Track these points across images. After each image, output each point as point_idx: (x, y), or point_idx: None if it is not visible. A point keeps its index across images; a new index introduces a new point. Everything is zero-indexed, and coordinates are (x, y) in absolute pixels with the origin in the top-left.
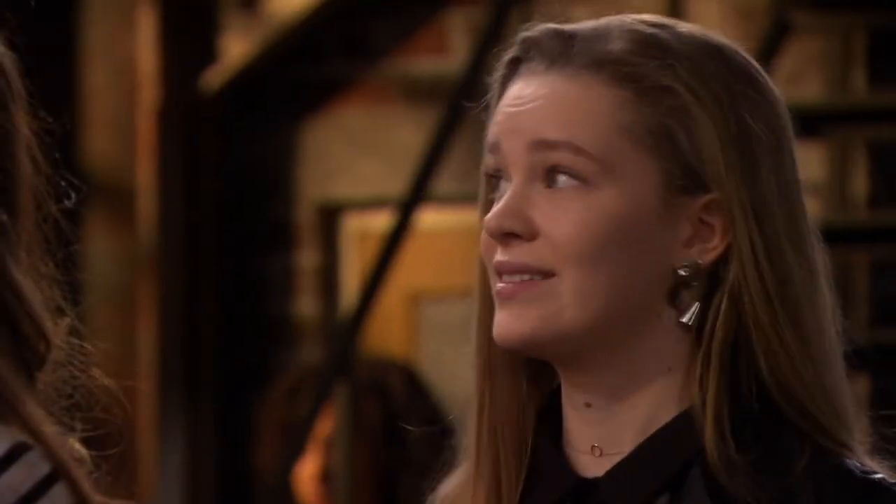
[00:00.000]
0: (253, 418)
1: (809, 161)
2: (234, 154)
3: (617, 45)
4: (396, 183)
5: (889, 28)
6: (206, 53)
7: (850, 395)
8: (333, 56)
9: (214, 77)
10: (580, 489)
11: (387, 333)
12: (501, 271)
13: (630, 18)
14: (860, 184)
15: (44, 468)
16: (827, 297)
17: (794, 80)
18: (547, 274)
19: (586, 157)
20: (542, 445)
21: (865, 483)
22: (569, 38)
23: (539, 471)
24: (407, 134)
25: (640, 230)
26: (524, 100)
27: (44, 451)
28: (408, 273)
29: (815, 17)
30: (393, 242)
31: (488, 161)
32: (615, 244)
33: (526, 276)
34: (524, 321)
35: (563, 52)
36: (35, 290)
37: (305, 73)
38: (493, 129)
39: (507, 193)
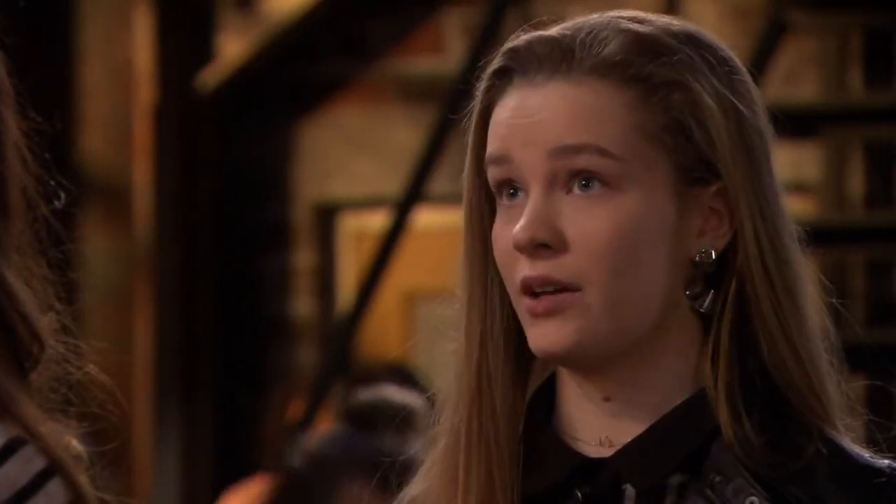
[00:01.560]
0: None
1: (806, 161)
2: (231, 154)
3: (615, 48)
4: (393, 183)
5: (886, 28)
6: (203, 53)
7: (835, 382)
8: (330, 56)
9: (211, 76)
10: (587, 469)
11: (383, 333)
12: (531, 285)
13: (615, 17)
14: (857, 183)
15: (40, 463)
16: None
17: (791, 80)
18: (573, 289)
19: (611, 158)
20: (539, 433)
21: (878, 469)
22: (565, 46)
23: (539, 458)
24: (403, 134)
25: (662, 227)
26: (532, 110)
27: (40, 447)
28: (404, 273)
29: (811, 17)
30: (389, 242)
31: (495, 173)
32: (642, 248)
33: (551, 288)
34: (564, 335)
35: (562, 59)
36: (27, 290)
37: (302, 73)
38: (499, 143)
39: (528, 205)
